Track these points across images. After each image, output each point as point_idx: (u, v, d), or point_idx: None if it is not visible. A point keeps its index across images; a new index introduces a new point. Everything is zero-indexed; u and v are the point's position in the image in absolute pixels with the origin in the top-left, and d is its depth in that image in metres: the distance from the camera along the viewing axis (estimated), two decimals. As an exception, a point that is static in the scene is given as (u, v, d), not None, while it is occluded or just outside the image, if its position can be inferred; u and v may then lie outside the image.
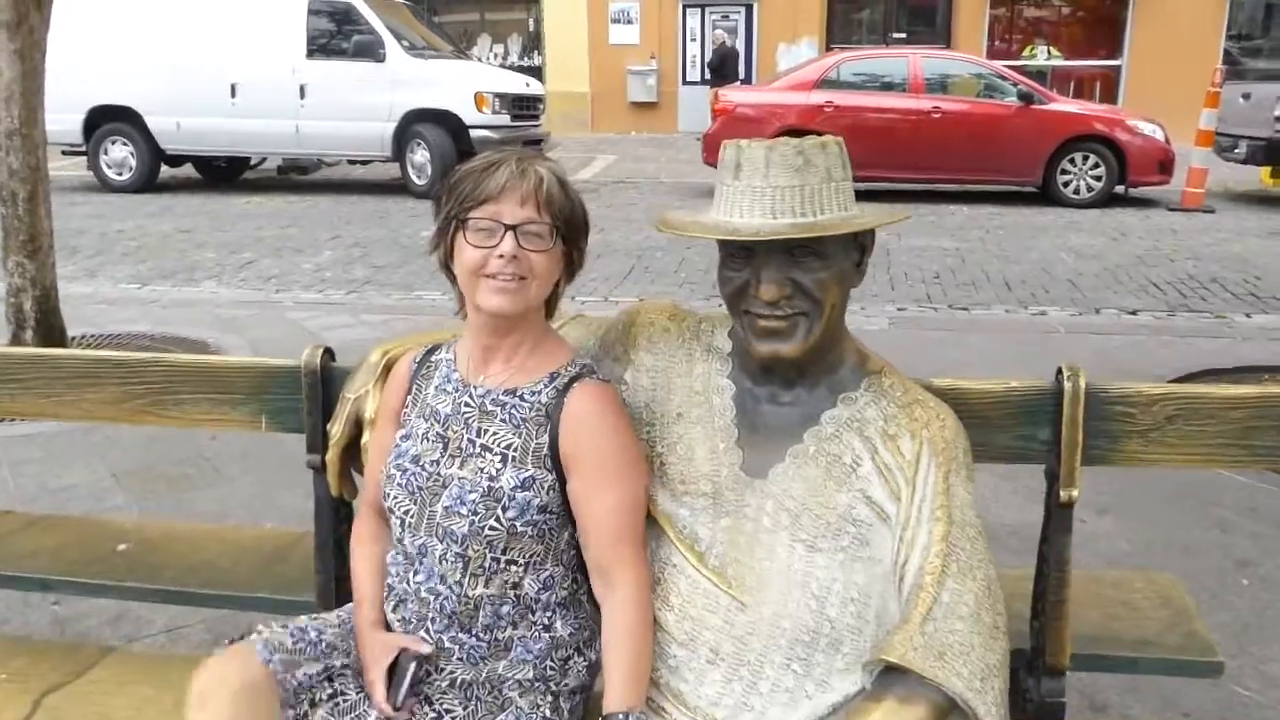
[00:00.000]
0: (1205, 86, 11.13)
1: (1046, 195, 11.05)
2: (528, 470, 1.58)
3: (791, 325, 1.50)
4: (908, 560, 1.47)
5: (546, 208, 1.56)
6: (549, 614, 1.62)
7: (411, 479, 1.63)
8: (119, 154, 12.54)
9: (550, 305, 1.68)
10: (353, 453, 1.88)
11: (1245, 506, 3.83)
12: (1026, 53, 18.34)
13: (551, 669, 1.62)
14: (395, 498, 1.64)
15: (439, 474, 1.61)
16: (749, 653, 1.49)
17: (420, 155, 11.79)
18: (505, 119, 11.98)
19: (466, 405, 1.64)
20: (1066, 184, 11.18)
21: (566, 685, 1.64)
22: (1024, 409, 1.76)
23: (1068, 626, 1.80)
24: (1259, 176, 12.41)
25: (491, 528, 1.56)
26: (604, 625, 1.59)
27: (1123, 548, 3.51)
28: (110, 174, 12.56)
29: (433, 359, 1.74)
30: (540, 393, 1.61)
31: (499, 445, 1.60)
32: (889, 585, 1.50)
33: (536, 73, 17.03)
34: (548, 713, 1.61)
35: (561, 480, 1.59)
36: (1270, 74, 11.77)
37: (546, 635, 1.62)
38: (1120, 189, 11.28)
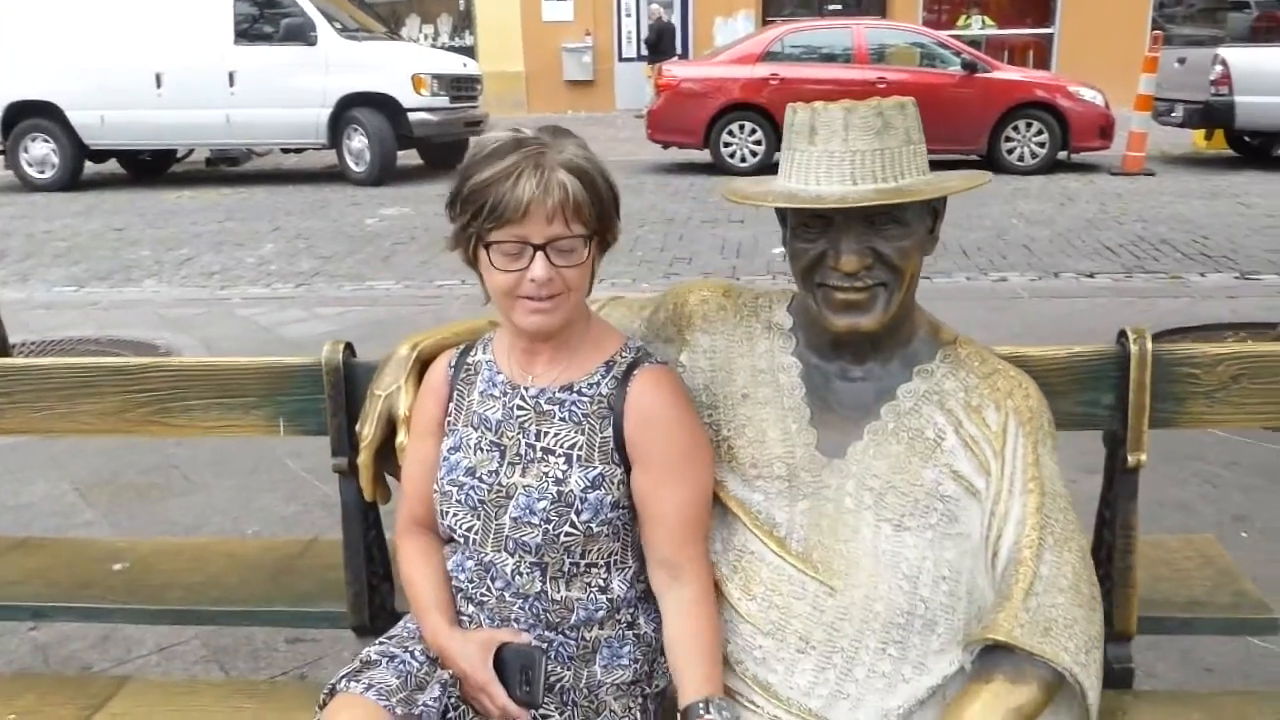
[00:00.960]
0: (1133, 51, 11.32)
1: (991, 163, 11.15)
2: (596, 468, 1.49)
3: (871, 297, 1.43)
4: (1001, 535, 1.42)
5: (576, 218, 1.42)
6: (632, 610, 1.55)
7: (471, 493, 1.53)
8: (40, 151, 12.03)
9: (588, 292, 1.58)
10: (384, 454, 1.76)
11: (1228, 461, 3.88)
12: (961, 22, 18.49)
13: (642, 671, 1.55)
14: (455, 515, 1.54)
15: (500, 484, 1.52)
16: (841, 639, 1.43)
17: (358, 141, 11.49)
18: (444, 101, 11.72)
19: (520, 408, 1.54)
20: (1011, 151, 11.29)
21: (656, 687, 1.58)
22: (1088, 374, 1.72)
23: (1135, 593, 1.77)
24: (1192, 139, 12.68)
25: (567, 534, 1.47)
26: (670, 620, 1.52)
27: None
28: (31, 172, 12.06)
29: (469, 361, 1.62)
30: (599, 384, 1.52)
31: (562, 446, 1.51)
32: (978, 561, 1.45)
33: (469, 53, 16.67)
34: (639, 715, 1.55)
35: (628, 470, 1.51)
36: (1204, 39, 11.98)
37: (631, 634, 1.55)
38: (1063, 155, 11.43)
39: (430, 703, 1.46)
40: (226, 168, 13.75)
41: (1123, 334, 1.70)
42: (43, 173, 12.06)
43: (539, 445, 1.52)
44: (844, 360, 1.52)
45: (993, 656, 1.37)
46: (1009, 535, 1.41)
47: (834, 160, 1.39)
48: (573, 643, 1.52)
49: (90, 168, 12.67)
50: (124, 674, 2.05)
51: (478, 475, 1.54)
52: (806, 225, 1.44)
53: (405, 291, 6.91)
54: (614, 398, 1.51)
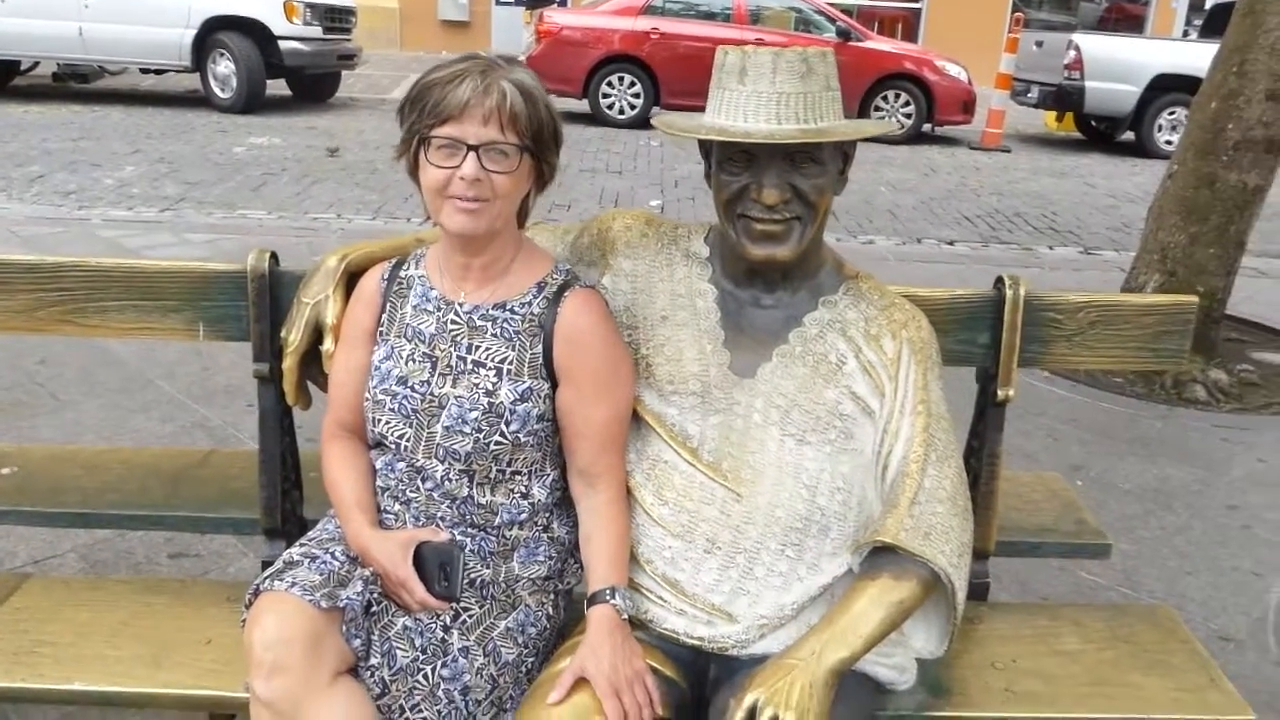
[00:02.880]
0: (996, 30, 11.85)
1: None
2: (525, 382, 1.58)
3: (787, 229, 1.55)
4: (891, 450, 1.58)
5: (511, 126, 1.51)
6: (549, 514, 1.65)
7: (404, 402, 1.60)
8: None
9: (521, 216, 1.66)
10: (307, 361, 1.81)
11: (1068, 417, 4.23)
12: (835, -10, 18.88)
13: (555, 569, 1.66)
14: (387, 423, 1.61)
15: (432, 394, 1.59)
16: (745, 540, 1.57)
17: (224, 66, 11.01)
18: (317, 31, 11.33)
19: (453, 323, 1.61)
20: (894, 129, 11.65)
21: (567, 584, 1.69)
22: (967, 314, 1.90)
23: (996, 515, 1.97)
24: (1044, 120, 13.37)
25: (496, 443, 1.56)
26: (583, 520, 1.64)
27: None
28: None
29: (402, 275, 1.69)
30: (531, 304, 1.61)
31: (493, 360, 1.59)
32: (869, 475, 1.60)
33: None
34: (550, 610, 1.66)
35: (553, 386, 1.60)
36: (1059, 24, 12.61)
37: (546, 536, 1.65)
38: (928, 127, 11.90)
39: (353, 596, 1.53)
40: (76, 84, 12.96)
41: (999, 280, 1.88)
42: None
43: (470, 359, 1.60)
44: (756, 289, 1.65)
45: (879, 558, 1.53)
46: (898, 451, 1.57)
47: (761, 100, 1.50)
48: (494, 539, 1.62)
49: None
50: (28, 573, 2.02)
51: (410, 385, 1.61)
52: (732, 160, 1.55)
53: (279, 222, 6.75)
54: (545, 317, 1.60)
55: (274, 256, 1.86)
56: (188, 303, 1.88)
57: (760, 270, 1.62)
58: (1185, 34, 18.37)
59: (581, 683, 1.48)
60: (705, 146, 1.62)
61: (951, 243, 7.14)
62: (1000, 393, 1.89)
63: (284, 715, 1.44)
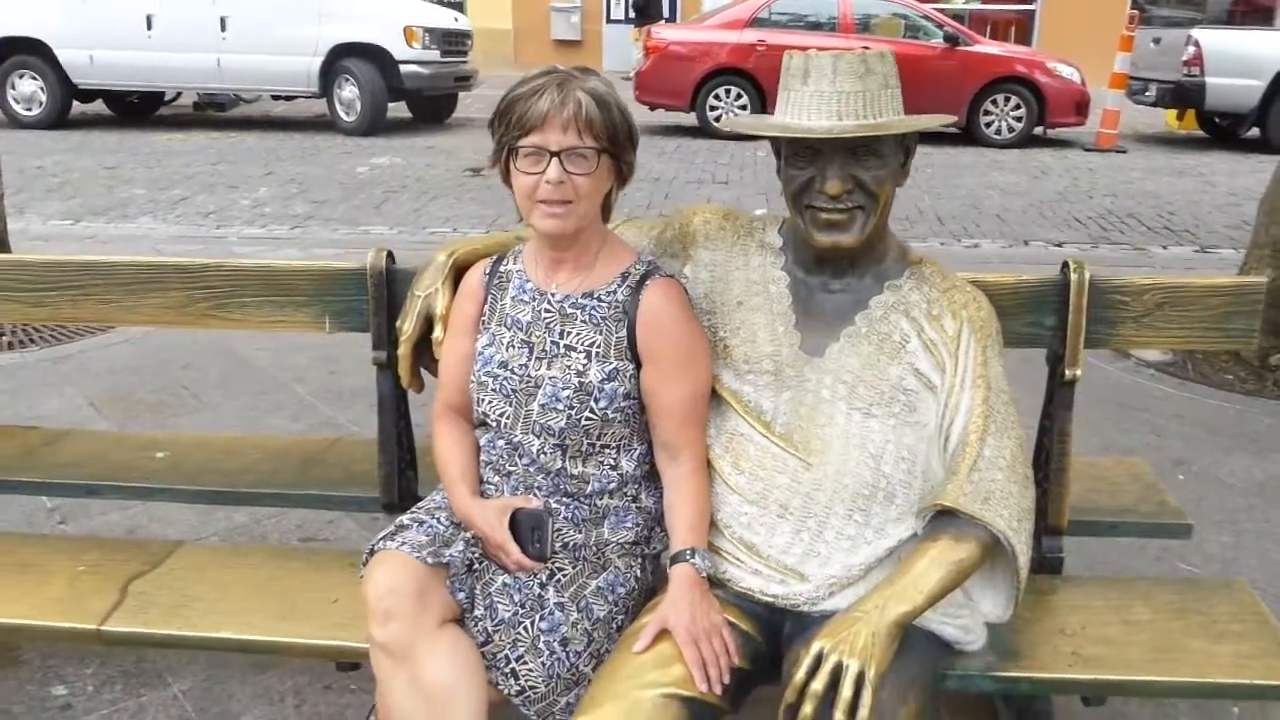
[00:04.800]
0: (1114, 30, 11.57)
1: (969, 135, 11.41)
2: (611, 363, 1.74)
3: (851, 218, 1.68)
4: (953, 422, 1.69)
5: (588, 131, 1.66)
6: (637, 486, 1.81)
7: (504, 383, 1.78)
8: (27, 88, 12.04)
9: (605, 211, 1.81)
10: (420, 348, 2.01)
11: (1172, 413, 4.19)
12: (945, -5, 18.69)
13: (642, 535, 1.81)
14: (490, 402, 1.79)
15: (529, 376, 1.77)
16: (815, 506, 1.69)
17: (349, 91, 11.58)
18: (435, 54, 11.82)
19: (546, 311, 1.78)
20: (989, 125, 11.56)
21: (652, 550, 1.84)
22: (1034, 298, 1.98)
23: (1068, 492, 2.05)
24: (1165, 119, 12.99)
25: (587, 418, 1.73)
26: (667, 489, 1.79)
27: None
28: (18, 109, 12.07)
29: (502, 270, 1.87)
30: (615, 292, 1.77)
31: (582, 344, 1.76)
32: (933, 446, 1.71)
33: (458, 8, 16.72)
34: (639, 573, 1.82)
35: (638, 367, 1.76)
36: (1179, 20, 12.26)
37: (634, 505, 1.81)
38: (1039, 130, 11.71)
39: (455, 554, 1.72)
40: (214, 112, 13.79)
41: (1065, 265, 1.97)
42: (30, 110, 12.07)
43: (562, 343, 1.77)
44: (825, 275, 1.78)
45: (940, 521, 1.64)
46: (959, 423, 1.68)
47: (823, 99, 1.63)
48: (585, 508, 1.78)
49: (76, 108, 12.69)
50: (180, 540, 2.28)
51: (509, 368, 1.78)
52: (798, 155, 1.68)
53: (398, 237, 7.10)
54: (628, 304, 1.76)
55: (390, 255, 2.07)
56: (315, 298, 2.11)
57: (828, 257, 1.75)
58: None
59: (664, 634, 1.63)
60: (775, 144, 1.76)
61: (1060, 244, 7.06)
62: (1068, 372, 1.97)
63: (397, 656, 1.63)
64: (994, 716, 2.28)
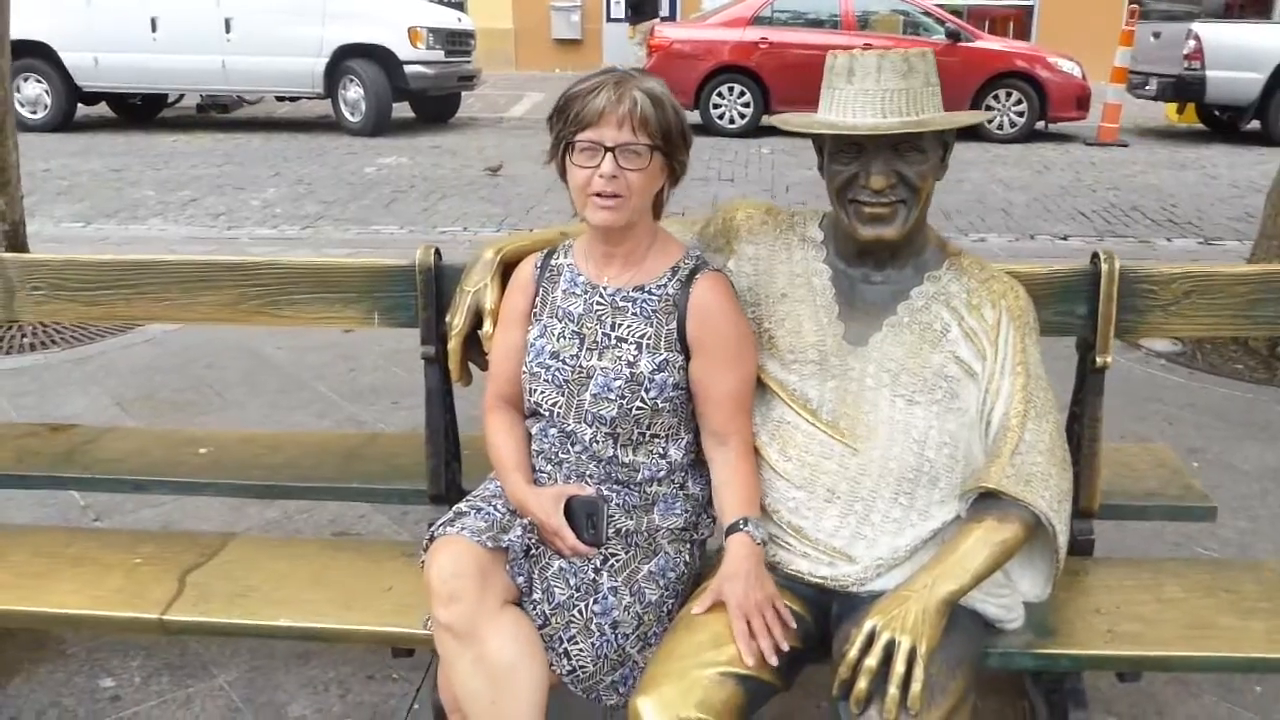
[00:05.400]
0: (1112, 24, 11.64)
1: (972, 131, 11.42)
2: (661, 354, 1.80)
3: (893, 211, 1.74)
4: (993, 408, 1.75)
5: (642, 128, 1.72)
6: (684, 474, 1.87)
7: (556, 374, 1.84)
8: (32, 91, 12.06)
9: (657, 208, 1.86)
10: (469, 343, 2.06)
11: (1185, 402, 4.25)
12: (944, -9, 18.74)
13: (691, 521, 1.88)
14: (542, 392, 1.85)
15: (580, 366, 1.82)
16: (862, 490, 1.75)
17: (354, 92, 11.63)
18: (439, 55, 11.86)
19: (598, 304, 1.84)
20: (990, 120, 11.63)
21: (700, 536, 1.91)
22: (1065, 288, 2.05)
23: (1099, 476, 2.11)
24: (1165, 112, 13.06)
25: (637, 408, 1.78)
26: (716, 472, 1.85)
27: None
28: (24, 112, 12.02)
29: (553, 263, 1.92)
30: (665, 285, 1.82)
31: (633, 336, 1.81)
32: (974, 432, 1.77)
33: (458, 8, 16.77)
34: (688, 558, 1.88)
35: (687, 358, 1.82)
36: (1178, 14, 12.33)
37: (683, 493, 1.87)
38: (1041, 124, 11.77)
39: (514, 539, 1.78)
40: (217, 114, 13.83)
41: (1095, 255, 2.03)
42: (35, 113, 12.09)
43: (613, 335, 1.82)
44: (867, 267, 1.84)
45: (983, 503, 1.70)
46: (999, 408, 1.74)
47: (868, 97, 1.69)
48: (636, 495, 1.84)
49: (80, 111, 12.72)
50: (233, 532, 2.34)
51: (561, 359, 1.84)
52: (843, 151, 1.74)
53: (410, 236, 7.16)
54: (678, 297, 1.81)
55: (438, 252, 2.13)
56: (365, 294, 2.17)
57: (870, 249, 1.81)
58: (1318, 17, 17.67)
59: (720, 608, 1.68)
60: (818, 141, 1.82)
61: (1065, 238, 7.13)
62: (1099, 360, 2.03)
63: (462, 636, 1.69)
64: (1023, 696, 2.34)
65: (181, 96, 13.71)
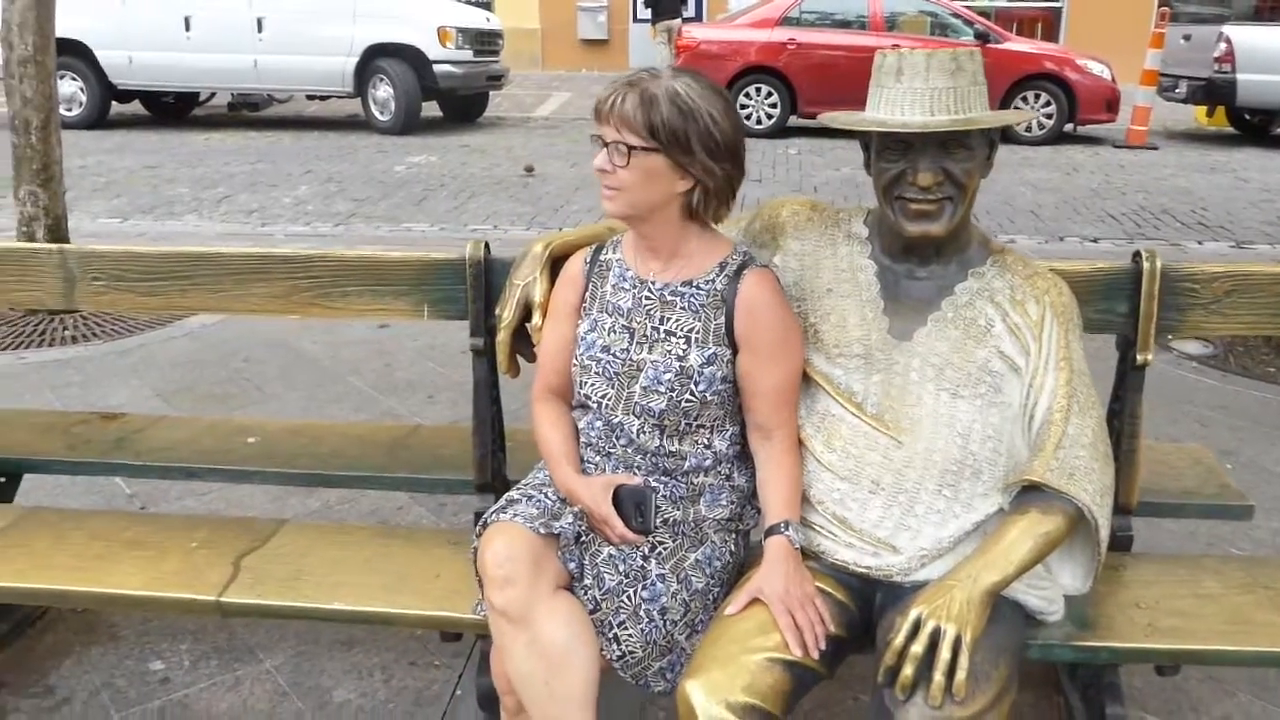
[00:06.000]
0: (1141, 27, 11.58)
1: (1001, 132, 11.38)
2: (710, 348, 1.84)
3: (940, 208, 1.77)
4: (1037, 402, 1.77)
5: (626, 128, 1.74)
6: (730, 465, 1.90)
7: (606, 367, 1.88)
8: (68, 89, 12.19)
9: (689, 211, 1.83)
10: (518, 335, 2.10)
11: (1218, 405, 4.25)
12: (973, -8, 18.70)
13: (736, 512, 1.91)
14: (592, 384, 1.89)
15: (630, 359, 1.86)
16: (906, 482, 1.79)
17: (383, 91, 11.73)
18: (468, 54, 11.95)
19: (647, 298, 1.88)
20: (1032, 117, 11.58)
21: (745, 526, 1.94)
22: (1107, 286, 2.07)
23: (1138, 473, 2.13)
24: (1195, 115, 12.98)
25: (686, 400, 1.82)
26: (761, 467, 1.88)
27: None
28: (60, 110, 12.23)
29: (602, 258, 1.96)
30: (714, 281, 1.86)
31: (682, 330, 1.85)
32: (1017, 426, 1.80)
33: (485, 8, 16.87)
34: (733, 548, 1.92)
35: (734, 352, 1.85)
36: (1208, 16, 12.25)
37: (728, 484, 1.90)
38: (1069, 127, 11.73)
39: (565, 526, 1.82)
40: (248, 112, 13.97)
41: (1137, 254, 2.05)
42: (70, 110, 12.23)
43: (663, 329, 1.86)
44: (911, 263, 1.87)
45: (1027, 496, 1.73)
46: (1043, 403, 1.77)
47: (916, 95, 1.72)
48: (683, 486, 1.88)
49: (114, 108, 12.89)
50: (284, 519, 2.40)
51: (611, 352, 1.88)
52: (890, 148, 1.77)
53: (441, 234, 7.23)
54: (726, 292, 1.85)
55: (487, 246, 2.17)
56: (415, 287, 2.21)
57: (915, 246, 1.84)
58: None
59: (758, 602, 1.72)
60: (865, 138, 1.85)
61: (1095, 240, 7.12)
62: (1139, 357, 2.06)
63: (516, 620, 1.73)
64: (1058, 692, 2.36)
65: (213, 95, 13.86)
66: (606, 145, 1.77)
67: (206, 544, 2.20)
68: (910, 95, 1.73)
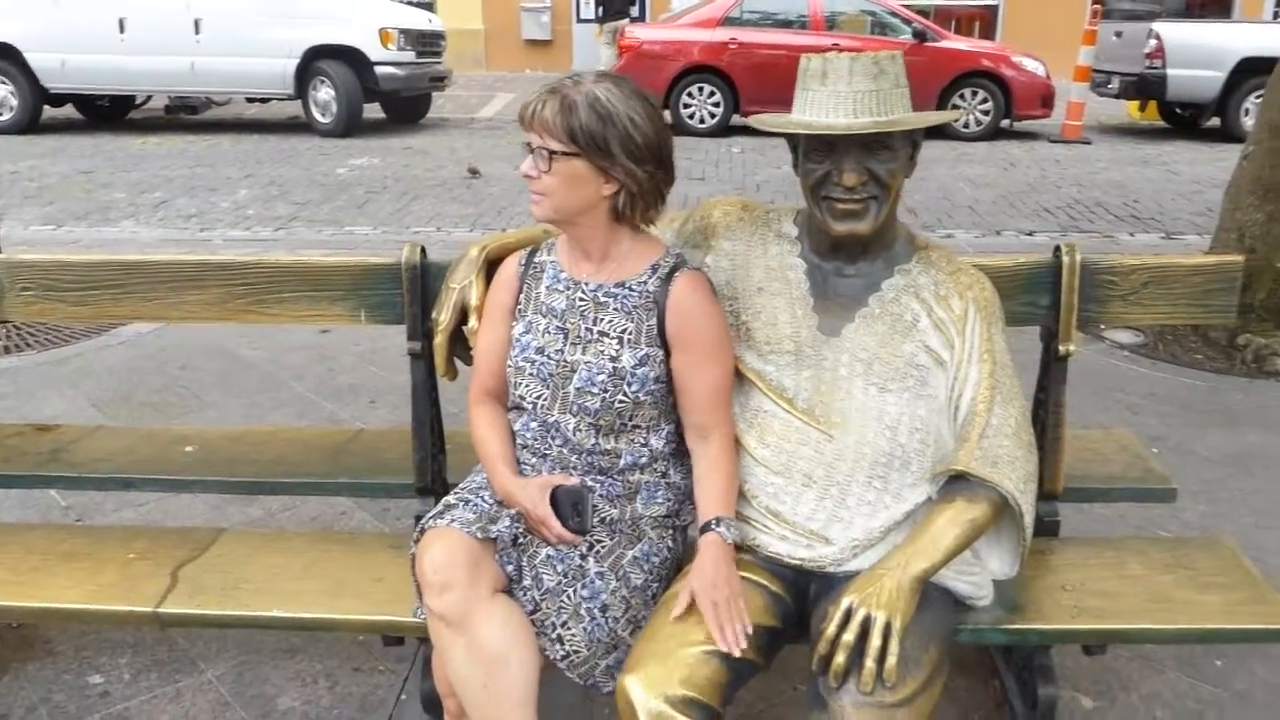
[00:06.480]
0: (1075, 24, 11.81)
1: (939, 128, 11.56)
2: (643, 349, 1.86)
3: (865, 207, 1.81)
4: (962, 394, 1.83)
5: (547, 133, 1.78)
6: (666, 463, 1.93)
7: (541, 368, 1.89)
8: (-2, 94, 11.99)
9: (617, 213, 1.85)
10: (454, 338, 2.11)
11: (1148, 392, 4.37)
12: (911, -9, 18.94)
13: (673, 509, 1.94)
14: (527, 385, 1.90)
15: (565, 360, 1.88)
16: (838, 474, 1.83)
17: (324, 93, 11.60)
18: (411, 56, 11.86)
19: (581, 300, 1.90)
20: (957, 119, 11.74)
21: (682, 523, 1.97)
22: (1029, 279, 2.13)
23: (1063, 459, 2.19)
24: (1127, 110, 13.28)
25: (620, 400, 1.85)
26: (696, 465, 1.91)
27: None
28: (-10, 115, 12.00)
29: (536, 260, 1.98)
30: (646, 282, 1.89)
31: (615, 331, 1.87)
32: (944, 417, 1.85)
33: (428, 9, 16.75)
34: (670, 544, 1.95)
35: (667, 353, 1.88)
36: (1139, 13, 12.55)
37: (664, 481, 1.93)
38: (1006, 122, 11.94)
39: (502, 529, 1.84)
40: (186, 115, 13.75)
41: (1058, 248, 2.11)
42: (0, 115, 12.00)
43: (596, 330, 1.88)
44: (840, 261, 1.92)
45: (954, 485, 1.78)
46: (967, 394, 1.82)
47: (840, 98, 1.76)
48: (619, 484, 1.90)
49: (47, 112, 12.61)
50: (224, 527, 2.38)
51: (546, 354, 1.90)
52: (816, 150, 1.81)
53: (384, 236, 7.18)
54: (659, 294, 1.87)
55: (424, 250, 2.18)
56: (352, 292, 2.22)
57: (843, 244, 1.88)
58: (1276, 15, 18.00)
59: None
60: (793, 140, 1.89)
61: (1031, 234, 7.26)
62: (1062, 348, 2.12)
63: (454, 624, 1.75)
64: (995, 676, 2.42)
65: (149, 98, 13.62)
66: (532, 151, 1.79)
67: (144, 555, 2.19)
68: (834, 98, 1.77)
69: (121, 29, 11.62)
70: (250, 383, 4.49)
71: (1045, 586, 2.00)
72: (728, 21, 11.99)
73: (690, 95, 12.02)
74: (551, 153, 1.77)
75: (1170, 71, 11.33)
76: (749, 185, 8.99)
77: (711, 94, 11.99)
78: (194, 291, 2.23)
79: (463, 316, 2.07)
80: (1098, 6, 11.64)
